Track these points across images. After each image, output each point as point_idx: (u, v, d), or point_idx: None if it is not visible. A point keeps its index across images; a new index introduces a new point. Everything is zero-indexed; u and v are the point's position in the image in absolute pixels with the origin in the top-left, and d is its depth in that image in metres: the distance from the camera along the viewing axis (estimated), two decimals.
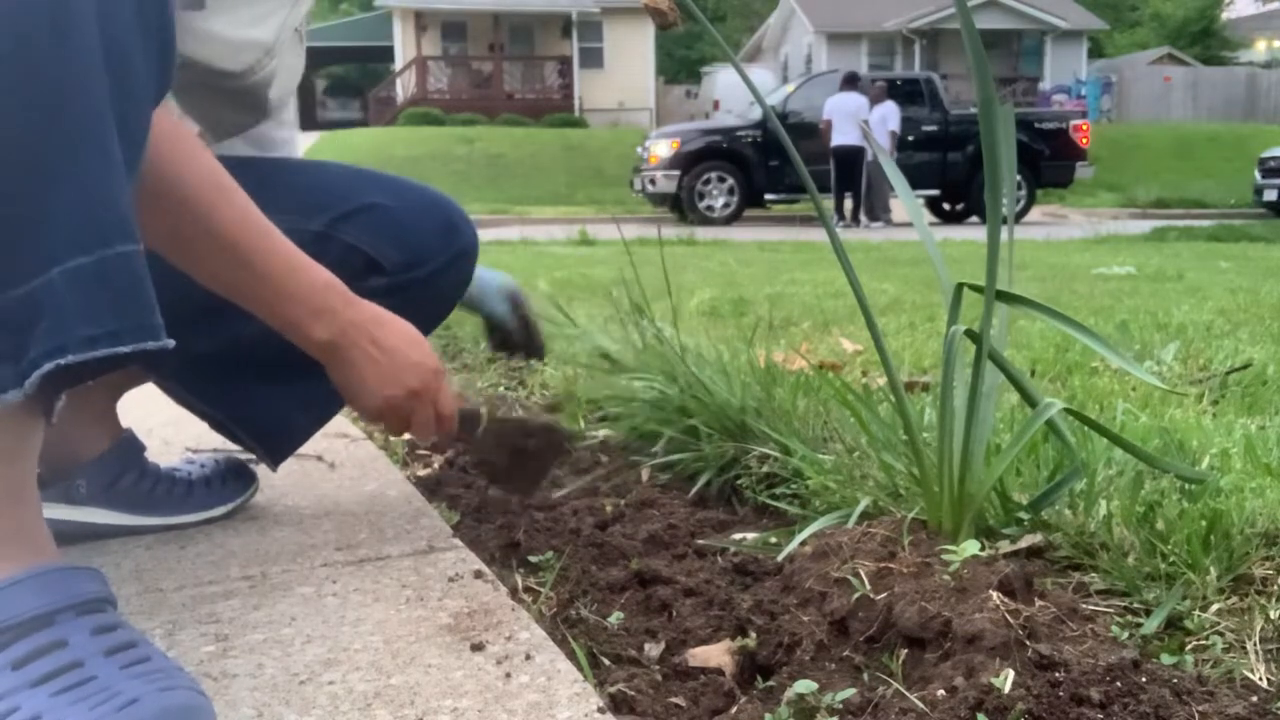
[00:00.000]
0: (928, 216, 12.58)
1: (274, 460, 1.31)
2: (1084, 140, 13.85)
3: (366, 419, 1.18)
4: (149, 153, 0.88)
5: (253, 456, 1.34)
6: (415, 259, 1.25)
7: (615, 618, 1.02)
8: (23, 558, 0.78)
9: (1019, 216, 12.53)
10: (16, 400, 0.74)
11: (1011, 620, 0.82)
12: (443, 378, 1.15)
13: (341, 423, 1.84)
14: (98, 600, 0.78)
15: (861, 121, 11.91)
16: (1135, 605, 0.94)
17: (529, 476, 1.37)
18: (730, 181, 13.13)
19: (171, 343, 0.80)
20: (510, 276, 1.49)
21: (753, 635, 0.95)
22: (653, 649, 0.96)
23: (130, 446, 1.27)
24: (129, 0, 0.81)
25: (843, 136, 12.21)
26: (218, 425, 1.30)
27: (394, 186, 1.30)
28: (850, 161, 12.34)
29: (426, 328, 1.25)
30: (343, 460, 1.57)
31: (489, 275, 1.49)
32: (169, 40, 0.86)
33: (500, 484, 1.38)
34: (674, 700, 0.86)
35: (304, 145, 18.22)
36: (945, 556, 0.94)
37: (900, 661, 0.86)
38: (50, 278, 0.75)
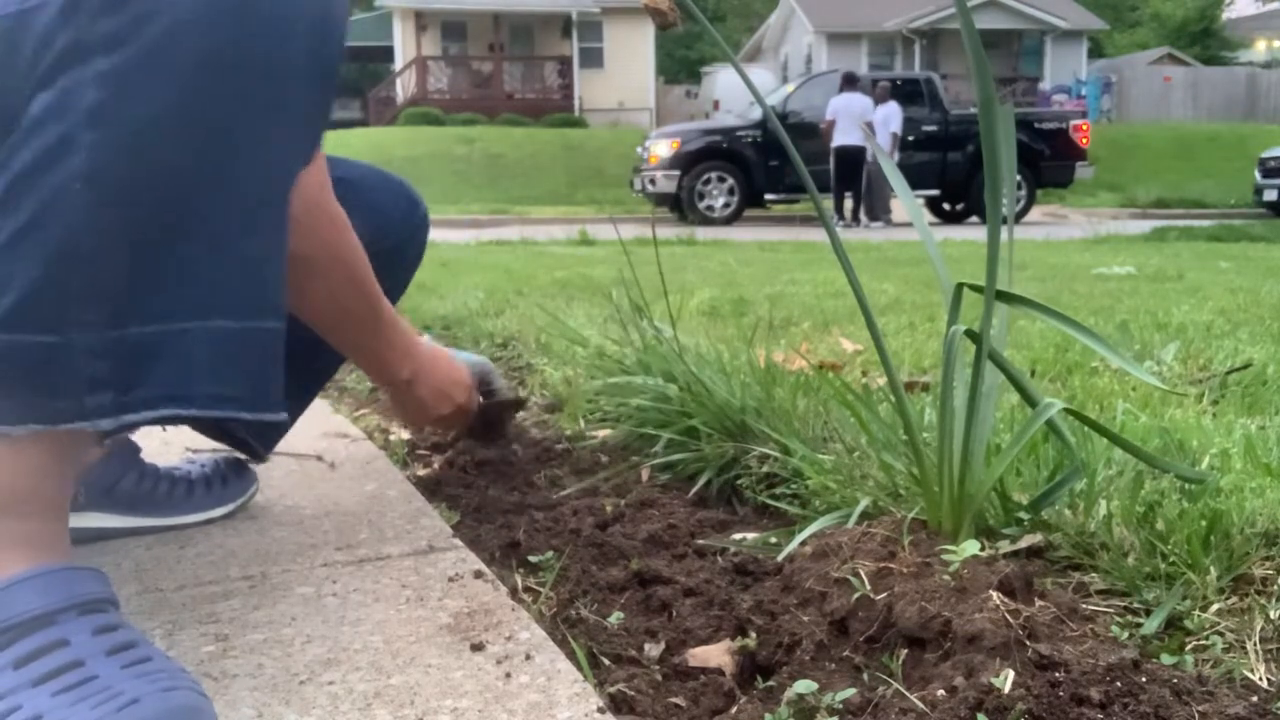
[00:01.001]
0: (928, 216, 12.57)
1: (265, 450, 1.33)
2: (1084, 140, 13.85)
3: (416, 429, 1.50)
4: (310, 219, 0.97)
5: (232, 450, 1.35)
6: (382, 230, 1.30)
7: (615, 618, 1.02)
8: (30, 559, 0.78)
9: (1019, 216, 12.53)
10: (109, 428, 0.76)
11: (1011, 620, 0.82)
12: (472, 389, 1.43)
13: (341, 423, 1.84)
14: (100, 601, 0.79)
15: (864, 122, 11.91)
16: (1135, 605, 0.94)
17: (498, 433, 1.64)
18: (730, 181, 13.13)
19: (286, 416, 0.84)
20: (483, 358, 1.60)
21: (753, 635, 0.95)
22: (653, 649, 0.96)
23: (127, 447, 1.27)
24: (315, 108, 0.86)
25: (845, 136, 12.21)
26: (205, 422, 1.30)
27: (350, 164, 1.35)
28: (852, 161, 12.34)
29: (394, 295, 1.36)
30: (343, 460, 1.57)
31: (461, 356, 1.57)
32: (329, 105, 0.90)
33: (479, 440, 1.62)
34: (674, 700, 0.86)
35: None
36: (945, 556, 0.94)
37: (900, 661, 0.86)
38: (188, 328, 0.77)
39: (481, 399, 1.52)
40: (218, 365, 0.79)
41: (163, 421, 0.78)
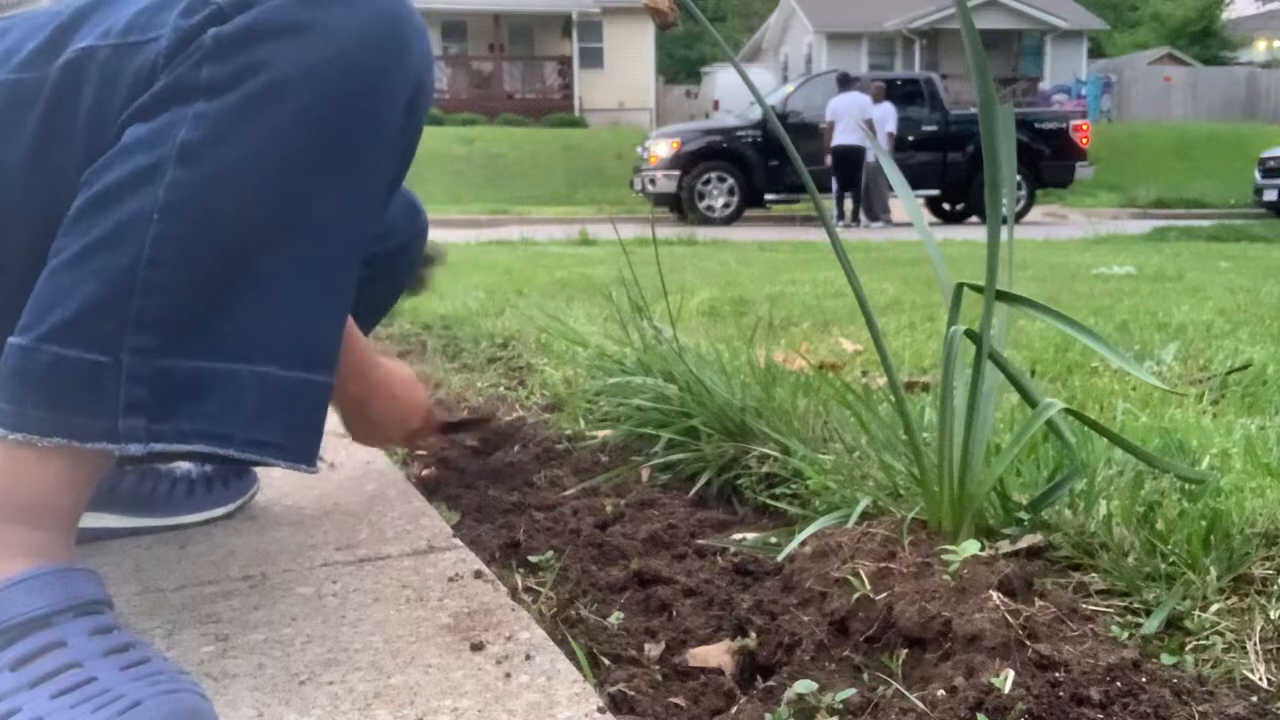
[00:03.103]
0: (928, 216, 12.57)
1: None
2: (1084, 140, 13.84)
3: (374, 447, 1.43)
4: None
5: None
6: (386, 234, 1.31)
7: (615, 618, 1.02)
8: (30, 563, 0.78)
9: (1019, 216, 12.53)
10: (137, 453, 0.77)
11: (1011, 620, 0.82)
12: (431, 411, 1.37)
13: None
14: (95, 602, 0.79)
15: (864, 121, 11.90)
16: (1135, 605, 0.94)
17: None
18: (730, 181, 13.13)
19: (319, 469, 0.85)
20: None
21: (753, 635, 0.95)
22: (653, 649, 0.96)
23: None
24: (393, 177, 0.89)
25: (844, 136, 12.21)
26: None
27: None
28: (851, 161, 12.34)
29: (389, 303, 1.39)
30: (343, 460, 1.57)
31: None
32: (405, 173, 0.93)
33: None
34: (674, 700, 0.86)
35: None
36: (945, 556, 0.94)
37: (900, 661, 0.86)
38: (237, 370, 0.79)
39: (447, 423, 1.50)
40: (262, 411, 0.80)
41: (192, 456, 0.79)
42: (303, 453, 0.83)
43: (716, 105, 23.43)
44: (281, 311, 0.80)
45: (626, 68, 26.74)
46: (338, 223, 0.82)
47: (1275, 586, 0.91)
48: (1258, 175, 13.32)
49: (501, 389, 2.21)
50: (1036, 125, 13.63)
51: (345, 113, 0.80)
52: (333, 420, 1.84)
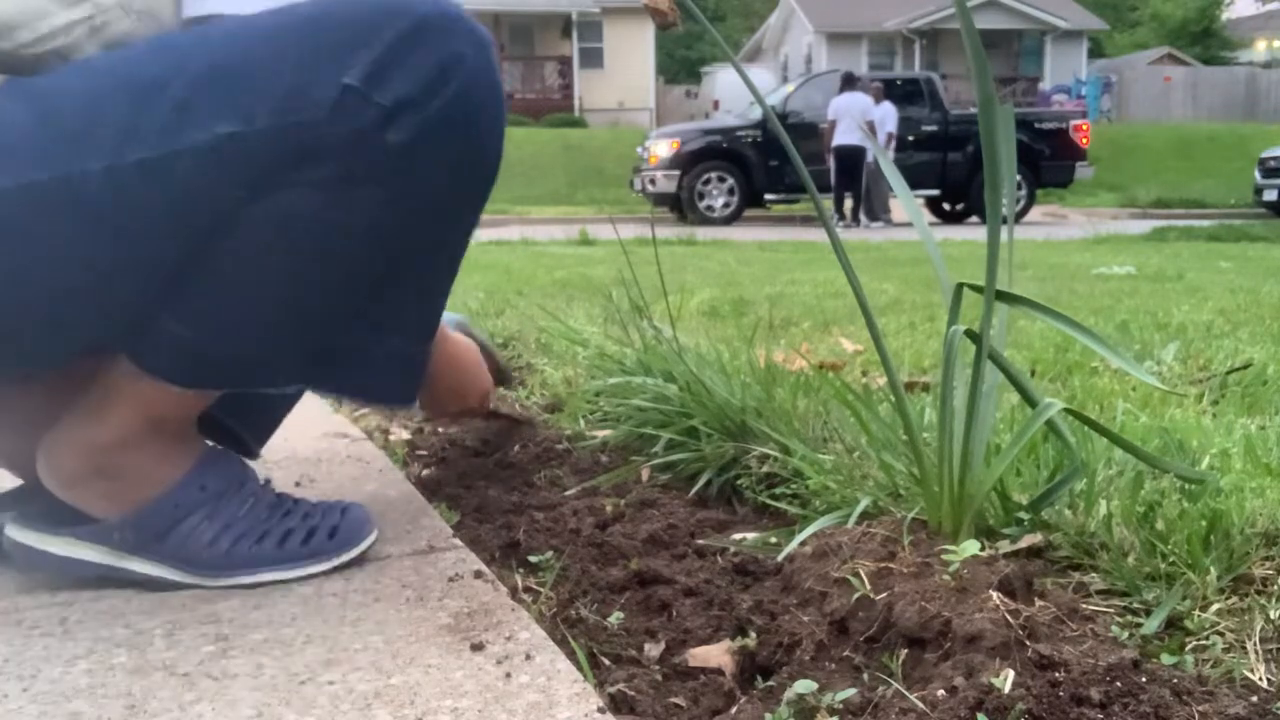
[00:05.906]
0: (928, 216, 12.56)
1: (258, 446, 1.33)
2: (1084, 140, 13.85)
3: (438, 419, 1.74)
4: None
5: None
6: None
7: (615, 618, 1.02)
8: (194, 451, 1.09)
9: (1019, 216, 12.53)
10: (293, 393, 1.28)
11: (1011, 620, 0.82)
12: (489, 397, 1.51)
13: (342, 423, 1.84)
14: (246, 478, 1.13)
15: (865, 121, 11.91)
16: (1135, 605, 0.94)
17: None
18: (730, 181, 13.13)
19: (415, 404, 1.23)
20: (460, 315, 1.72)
21: (753, 635, 0.95)
22: (653, 649, 0.96)
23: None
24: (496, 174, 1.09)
25: (844, 136, 12.21)
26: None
27: None
28: (851, 161, 12.34)
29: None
30: (343, 460, 1.57)
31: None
32: None
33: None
34: (674, 700, 0.86)
35: None
36: (945, 556, 0.94)
37: (900, 661, 0.86)
38: (380, 339, 1.10)
39: (494, 411, 1.63)
40: (386, 368, 1.12)
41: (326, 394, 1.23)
42: (408, 399, 1.16)
43: (716, 105, 23.44)
44: (422, 302, 1.13)
45: (626, 68, 26.74)
46: (460, 241, 1.13)
47: (1275, 586, 0.91)
48: (1258, 175, 13.33)
49: (501, 389, 2.21)
50: (1036, 125, 13.64)
51: (477, 177, 1.05)
52: (332, 420, 1.85)
